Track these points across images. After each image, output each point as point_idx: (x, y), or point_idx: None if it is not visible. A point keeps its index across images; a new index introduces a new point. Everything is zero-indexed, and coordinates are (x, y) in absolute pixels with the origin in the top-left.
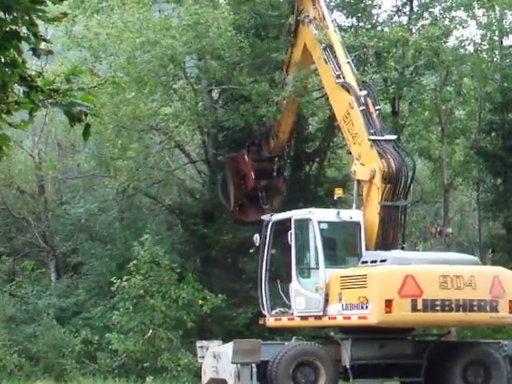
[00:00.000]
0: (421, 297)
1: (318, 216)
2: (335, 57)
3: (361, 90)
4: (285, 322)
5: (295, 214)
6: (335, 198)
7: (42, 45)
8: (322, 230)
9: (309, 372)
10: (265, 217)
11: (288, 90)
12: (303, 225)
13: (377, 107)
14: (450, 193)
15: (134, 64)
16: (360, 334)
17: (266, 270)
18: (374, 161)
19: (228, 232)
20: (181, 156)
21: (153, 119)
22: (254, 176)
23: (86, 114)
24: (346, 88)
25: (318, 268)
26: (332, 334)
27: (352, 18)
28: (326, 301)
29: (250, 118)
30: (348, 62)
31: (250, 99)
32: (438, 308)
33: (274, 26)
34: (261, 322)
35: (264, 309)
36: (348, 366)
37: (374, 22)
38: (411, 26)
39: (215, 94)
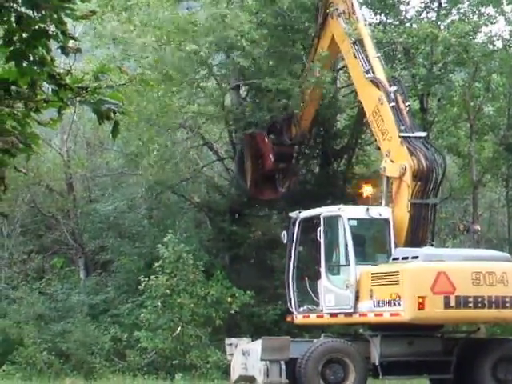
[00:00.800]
0: (453, 293)
1: (348, 213)
2: (364, 51)
3: (391, 85)
4: (313, 319)
5: (324, 211)
6: (364, 194)
7: (71, 43)
8: (351, 227)
9: (338, 369)
10: (292, 214)
11: (312, 80)
12: (333, 222)
13: (406, 103)
14: (479, 189)
15: (159, 61)
16: (389, 331)
17: (293, 267)
18: (405, 158)
19: (256, 229)
20: (209, 153)
21: (181, 116)
22: (273, 159)
23: (114, 112)
24: (376, 83)
25: (348, 265)
26: (361, 331)
27: (380, 14)
28: (357, 298)
29: (277, 113)
30: (378, 57)
31: (275, 93)
32: (470, 305)
33: (300, 28)
34: (288, 319)
35: (291, 306)
36: (377, 363)
37: (402, 18)
38: (439, 23)
39: (243, 92)
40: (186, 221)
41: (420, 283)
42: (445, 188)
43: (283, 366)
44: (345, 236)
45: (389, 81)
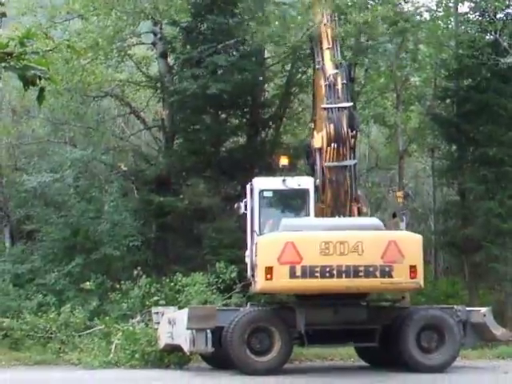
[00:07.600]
0: (300, 263)
1: (261, 184)
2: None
3: (334, 69)
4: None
5: (249, 183)
6: (280, 166)
7: None
8: (265, 198)
9: (263, 337)
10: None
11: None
12: (251, 194)
13: (343, 81)
14: (405, 159)
15: (88, 29)
16: (314, 299)
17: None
18: (323, 127)
19: (183, 198)
20: (136, 122)
21: (108, 85)
22: None
23: (40, 78)
24: (323, 72)
25: (252, 236)
26: (286, 299)
27: None
28: (252, 268)
29: (206, 83)
30: (328, 48)
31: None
32: (317, 274)
33: None
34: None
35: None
36: (303, 332)
37: None
38: None
39: (171, 60)
40: (114, 190)
41: (269, 254)
42: (371, 158)
43: (209, 335)
44: (254, 207)
45: (335, 65)
